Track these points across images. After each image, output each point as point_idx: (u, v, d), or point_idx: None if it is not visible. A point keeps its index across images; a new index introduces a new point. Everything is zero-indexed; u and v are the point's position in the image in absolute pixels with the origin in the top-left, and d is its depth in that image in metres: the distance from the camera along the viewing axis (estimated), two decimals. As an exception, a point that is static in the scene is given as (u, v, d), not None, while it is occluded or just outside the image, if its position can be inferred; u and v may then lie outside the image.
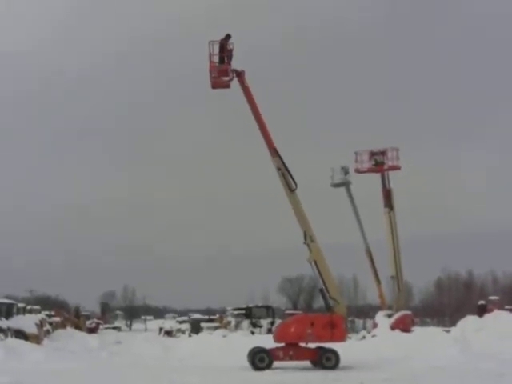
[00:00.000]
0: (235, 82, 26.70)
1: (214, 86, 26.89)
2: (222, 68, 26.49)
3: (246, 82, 26.59)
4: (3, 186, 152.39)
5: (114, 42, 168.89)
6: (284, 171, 26.14)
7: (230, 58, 26.49)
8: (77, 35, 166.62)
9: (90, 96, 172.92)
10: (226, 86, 26.94)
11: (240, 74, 26.59)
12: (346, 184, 43.23)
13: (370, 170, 42.66)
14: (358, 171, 42.80)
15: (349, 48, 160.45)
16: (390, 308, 42.02)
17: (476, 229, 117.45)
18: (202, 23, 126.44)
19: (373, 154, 42.47)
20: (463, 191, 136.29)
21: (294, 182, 26.22)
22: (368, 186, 46.72)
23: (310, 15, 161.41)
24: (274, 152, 26.26)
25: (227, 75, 26.61)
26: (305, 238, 26.01)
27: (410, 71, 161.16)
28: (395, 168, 42.23)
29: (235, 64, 26.65)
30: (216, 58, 26.40)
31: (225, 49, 26.44)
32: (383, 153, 42.36)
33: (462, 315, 37.12)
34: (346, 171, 42.86)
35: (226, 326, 51.50)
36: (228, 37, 26.44)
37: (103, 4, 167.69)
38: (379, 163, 42.25)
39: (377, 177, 42.78)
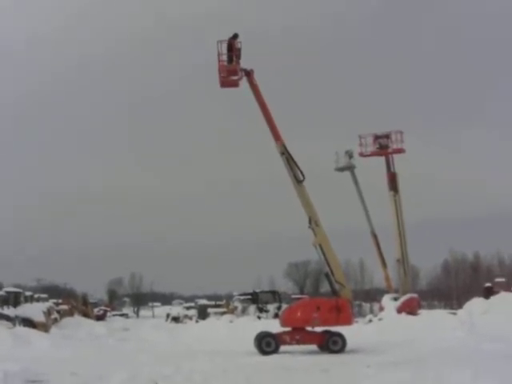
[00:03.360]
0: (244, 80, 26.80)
1: (223, 85, 26.99)
2: (231, 68, 26.59)
3: (255, 81, 26.62)
4: (11, 176, 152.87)
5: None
6: (290, 160, 26.18)
7: (238, 56, 26.52)
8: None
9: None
10: (235, 85, 27.06)
11: (249, 73, 26.61)
12: (350, 168, 43.19)
13: (374, 154, 42.60)
14: (362, 155, 42.74)
15: (349, 36, 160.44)
16: (396, 291, 42.07)
17: (482, 211, 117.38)
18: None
19: (377, 138, 42.41)
20: (469, 174, 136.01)
21: (302, 173, 26.28)
22: (373, 170, 46.71)
23: (309, 7, 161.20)
24: (282, 147, 26.32)
25: (236, 74, 26.69)
26: (309, 223, 26.08)
27: (408, 55, 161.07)
28: (400, 151, 42.16)
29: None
30: (225, 58, 26.45)
31: (233, 48, 26.49)
32: (387, 136, 42.27)
33: (469, 298, 37.13)
34: (350, 155, 42.81)
35: (232, 311, 51.60)
36: (236, 36, 26.51)
37: None
38: (383, 146, 42.18)
39: (381, 160, 42.72)
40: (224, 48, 26.46)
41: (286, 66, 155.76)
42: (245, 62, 26.71)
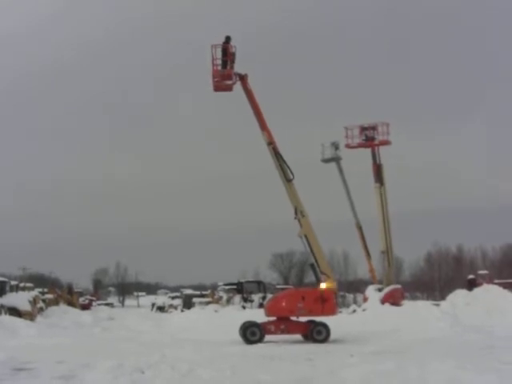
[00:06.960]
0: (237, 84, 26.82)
1: (217, 89, 26.93)
2: (226, 73, 26.51)
3: (249, 86, 26.59)
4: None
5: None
6: (279, 158, 26.25)
7: (232, 61, 26.43)
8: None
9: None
10: (229, 89, 26.96)
11: (243, 78, 26.58)
12: (336, 159, 43.18)
13: (360, 145, 42.61)
14: (348, 146, 42.77)
15: (342, 23, 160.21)
16: (380, 282, 42.30)
17: (466, 204, 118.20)
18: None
19: (363, 129, 42.40)
20: (453, 167, 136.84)
21: (291, 172, 26.36)
22: (359, 162, 46.84)
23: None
24: (273, 146, 26.46)
25: (230, 79, 26.62)
26: (295, 213, 26.21)
27: (405, 47, 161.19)
28: (385, 143, 42.20)
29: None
30: (219, 62, 26.36)
31: (228, 52, 26.37)
32: (374, 128, 42.29)
33: (452, 289, 37.35)
34: (336, 146, 42.79)
35: (217, 301, 51.78)
36: (228, 39, 26.31)
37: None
38: (369, 138, 42.25)
39: (367, 152, 42.81)
40: (218, 53, 26.34)
41: (272, 54, 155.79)
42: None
